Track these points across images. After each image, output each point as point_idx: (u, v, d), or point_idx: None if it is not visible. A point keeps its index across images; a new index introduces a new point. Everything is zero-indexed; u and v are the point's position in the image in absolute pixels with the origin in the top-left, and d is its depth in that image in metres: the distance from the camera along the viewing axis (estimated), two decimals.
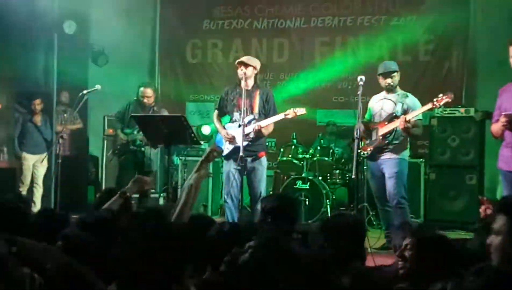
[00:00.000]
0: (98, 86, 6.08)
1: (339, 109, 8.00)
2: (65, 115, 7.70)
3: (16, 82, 6.99)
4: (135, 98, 6.34)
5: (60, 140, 5.72)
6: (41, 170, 6.90)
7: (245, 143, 5.09)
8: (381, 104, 5.31)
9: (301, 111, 5.26)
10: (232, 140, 5.30)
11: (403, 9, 7.99)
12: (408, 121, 4.96)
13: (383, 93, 5.35)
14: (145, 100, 6.25)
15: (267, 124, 5.27)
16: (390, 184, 5.15)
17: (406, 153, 5.30)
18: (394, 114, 5.17)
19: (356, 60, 8.06)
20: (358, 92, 4.96)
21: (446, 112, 6.59)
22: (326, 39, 8.36)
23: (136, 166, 6.26)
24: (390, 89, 5.28)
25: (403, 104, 5.19)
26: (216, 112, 5.57)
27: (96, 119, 7.96)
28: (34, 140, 6.91)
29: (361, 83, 4.93)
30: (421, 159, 6.80)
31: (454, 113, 6.58)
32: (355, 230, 2.82)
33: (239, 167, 5.12)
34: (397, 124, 5.04)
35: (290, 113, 5.23)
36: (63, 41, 7.36)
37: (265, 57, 8.38)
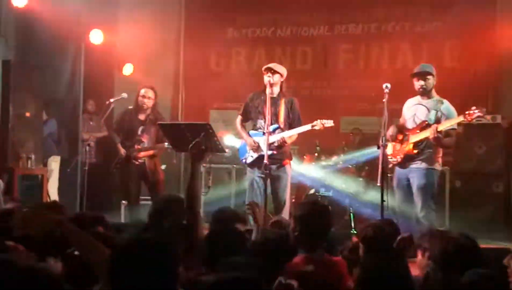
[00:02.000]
0: (124, 94, 6.16)
1: (362, 116, 7.96)
2: (91, 123, 7.82)
3: (43, 91, 7.13)
4: (130, 107, 6.29)
5: (87, 148, 5.80)
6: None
7: (269, 152, 5.09)
8: (414, 109, 5.14)
9: (328, 123, 5.21)
10: (257, 148, 5.30)
11: (428, 15, 7.93)
12: (440, 132, 4.82)
13: (418, 98, 5.16)
14: (145, 101, 6.14)
15: (292, 134, 5.26)
16: (418, 196, 4.97)
17: (438, 163, 5.08)
18: (426, 122, 4.98)
19: (380, 67, 8.05)
20: (384, 100, 4.90)
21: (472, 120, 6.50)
22: (350, 46, 8.35)
23: (140, 176, 6.25)
24: (424, 93, 5.09)
25: (437, 111, 4.99)
26: (239, 117, 5.56)
27: None
28: None
29: (386, 90, 4.87)
30: (446, 167, 6.72)
31: (480, 120, 6.49)
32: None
33: (263, 175, 5.13)
34: (428, 133, 4.87)
35: (318, 124, 5.18)
36: (90, 50, 7.48)
37: (288, 65, 8.36)
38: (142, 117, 6.21)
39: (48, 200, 6.49)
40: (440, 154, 5.11)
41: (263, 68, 5.38)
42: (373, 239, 2.91)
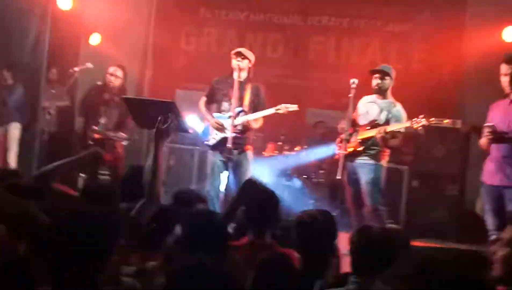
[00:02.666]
0: (89, 64, 6.02)
1: (328, 109, 8.01)
2: (52, 91, 7.59)
3: (4, 52, 6.88)
4: (99, 83, 6.16)
5: (47, 116, 5.65)
6: None
7: (233, 135, 5.10)
8: (368, 107, 5.33)
9: (292, 107, 5.27)
10: (221, 128, 5.28)
11: (401, 15, 8.02)
12: (387, 133, 4.98)
13: (374, 96, 5.36)
14: (112, 79, 6.03)
15: (257, 117, 5.28)
16: (366, 190, 5.16)
17: (383, 159, 5.28)
18: (376, 121, 5.18)
19: (348, 62, 8.11)
20: (350, 95, 5.07)
21: (434, 122, 6.62)
22: (321, 38, 8.37)
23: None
24: (379, 92, 5.27)
25: (388, 112, 5.20)
26: (204, 99, 5.54)
27: None
28: None
29: (353, 85, 5.05)
30: (405, 166, 6.85)
31: (440, 123, 6.62)
32: (328, 227, 2.86)
33: (224, 159, 5.12)
34: (375, 132, 5.05)
35: (282, 108, 5.25)
36: (57, 15, 7.25)
37: (259, 51, 8.35)
38: (106, 96, 6.09)
39: (7, 167, 6.29)
40: (387, 152, 5.30)
41: (232, 52, 5.37)
42: (306, 224, 2.92)
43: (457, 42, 7.69)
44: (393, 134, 5.09)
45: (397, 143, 5.21)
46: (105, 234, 1.96)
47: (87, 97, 6.18)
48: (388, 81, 5.28)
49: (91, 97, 6.14)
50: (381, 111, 5.24)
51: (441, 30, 7.78)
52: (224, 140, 5.18)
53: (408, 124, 5.04)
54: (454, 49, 7.71)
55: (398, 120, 5.15)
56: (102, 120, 6.03)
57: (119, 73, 6.08)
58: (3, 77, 6.85)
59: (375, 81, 5.26)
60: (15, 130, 6.89)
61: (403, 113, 5.22)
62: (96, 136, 6.02)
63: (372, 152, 5.21)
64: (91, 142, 6.05)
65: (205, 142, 5.47)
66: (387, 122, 5.14)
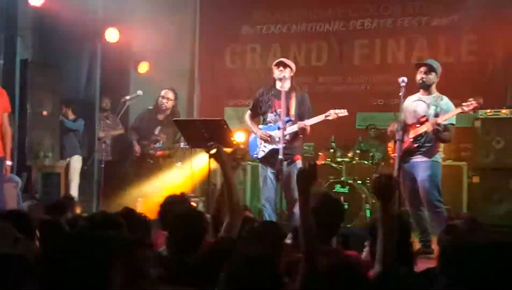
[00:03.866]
0: (139, 92, 6.23)
1: (378, 112, 7.89)
2: (107, 121, 7.87)
3: (60, 89, 7.20)
4: (150, 107, 6.38)
5: (103, 146, 5.86)
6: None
7: (283, 145, 5.11)
8: (414, 105, 5.21)
9: (342, 112, 5.25)
10: (269, 139, 5.29)
11: (445, 8, 7.83)
12: (439, 124, 4.87)
13: (418, 94, 5.25)
14: (164, 102, 6.24)
15: (311, 123, 5.27)
16: (423, 189, 5.04)
17: (439, 155, 5.19)
18: (426, 117, 5.07)
19: (396, 62, 7.99)
20: (400, 94, 5.00)
21: (490, 114, 6.42)
22: (365, 41, 8.28)
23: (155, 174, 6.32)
24: (424, 87, 5.17)
25: (436, 106, 5.10)
26: (249, 112, 5.56)
27: None
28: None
29: (402, 84, 4.96)
30: (464, 162, 6.64)
31: (498, 114, 6.41)
32: (402, 233, 2.79)
33: (274, 171, 5.13)
34: (426, 127, 4.95)
35: (331, 114, 5.23)
36: (106, 48, 7.53)
37: (303, 61, 8.38)
38: (160, 117, 6.33)
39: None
40: (440, 148, 5.22)
41: (273, 64, 5.40)
42: None
43: (508, 29, 7.43)
44: (446, 126, 4.97)
45: (450, 136, 5.09)
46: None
47: (140, 121, 6.41)
48: (433, 76, 5.17)
49: (145, 120, 6.36)
50: (428, 106, 5.13)
51: (489, 18, 7.53)
52: (273, 152, 5.19)
53: (459, 110, 4.94)
54: (506, 35, 7.45)
55: (447, 111, 5.05)
56: (160, 138, 6.22)
57: (171, 95, 6.33)
58: (65, 113, 7.18)
59: (420, 76, 5.16)
60: (77, 163, 7.19)
61: (451, 105, 5.11)
62: (156, 154, 6.20)
63: (425, 149, 5.11)
64: (150, 161, 6.24)
65: (253, 155, 5.49)
66: (437, 116, 5.04)
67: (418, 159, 5.11)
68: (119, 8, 7.58)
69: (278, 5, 8.62)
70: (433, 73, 5.16)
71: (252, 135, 5.54)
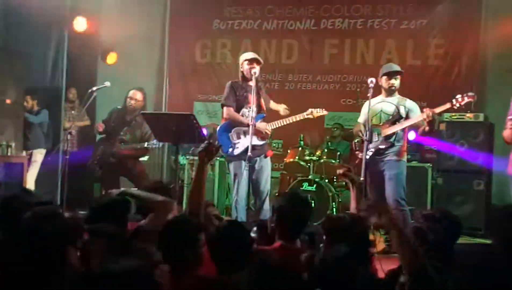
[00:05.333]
0: (107, 83, 6.10)
1: (347, 111, 7.97)
2: (72, 112, 7.72)
3: (25, 77, 7.01)
4: (119, 107, 6.35)
5: (69, 136, 5.74)
6: None
7: (262, 142, 5.17)
8: (380, 106, 5.33)
9: (321, 112, 5.36)
10: (268, 133, 5.33)
11: (414, 12, 7.96)
12: (435, 114, 5.08)
13: (381, 96, 5.38)
14: (132, 103, 6.22)
15: (288, 122, 5.33)
16: (389, 186, 5.15)
17: (405, 156, 5.34)
18: (399, 116, 5.21)
19: (364, 63, 8.09)
20: (368, 94, 5.09)
21: (455, 117, 6.56)
22: (336, 41, 8.34)
23: (121, 171, 6.27)
24: (392, 92, 5.30)
25: (404, 106, 5.25)
26: (230, 108, 5.40)
27: (103, 116, 7.93)
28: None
29: (371, 85, 5.07)
30: (429, 164, 6.76)
31: (463, 118, 6.55)
32: (358, 232, 2.81)
33: (247, 168, 5.12)
34: (421, 117, 5.05)
35: (312, 113, 5.32)
36: (73, 38, 7.38)
37: (274, 58, 8.39)
38: (128, 118, 6.23)
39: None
40: (405, 148, 5.35)
41: (245, 58, 5.37)
42: (336, 230, 2.87)
43: (474, 34, 7.61)
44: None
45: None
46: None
47: (108, 121, 6.34)
48: (399, 80, 5.33)
49: (112, 120, 6.29)
50: (397, 107, 5.27)
51: (456, 24, 7.71)
52: (247, 149, 5.13)
53: (447, 106, 5.05)
54: (472, 41, 7.63)
55: (415, 111, 5.22)
56: (127, 139, 6.16)
57: (139, 96, 6.27)
58: (29, 104, 7.00)
59: (390, 82, 5.29)
60: (39, 155, 7.02)
61: (416, 105, 5.30)
62: (122, 152, 6.14)
63: (395, 148, 5.23)
64: (112, 160, 6.17)
65: (228, 152, 5.38)
66: (407, 116, 5.21)
67: (387, 158, 5.21)
68: None
69: (250, 1, 8.60)
70: (399, 76, 5.33)
71: (220, 131, 5.44)
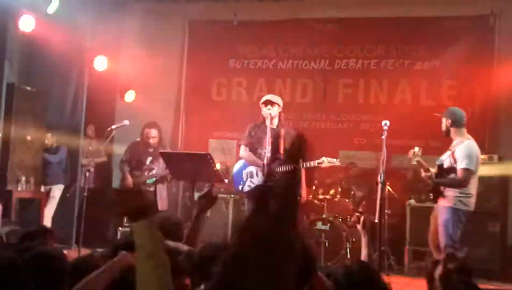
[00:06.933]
0: (126, 122, 6.23)
1: (360, 150, 8.01)
2: (90, 148, 7.84)
3: (45, 114, 7.18)
4: (138, 139, 6.44)
5: (87, 174, 5.84)
6: None
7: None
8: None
9: (334, 161, 5.41)
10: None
11: (427, 53, 8.06)
12: (429, 177, 5.03)
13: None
14: (149, 141, 6.34)
15: (305, 167, 5.39)
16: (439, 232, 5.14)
17: (457, 201, 5.19)
18: (441, 163, 5.22)
19: (378, 103, 8.16)
20: (382, 136, 5.07)
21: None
22: (349, 81, 8.45)
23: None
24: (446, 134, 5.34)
25: (451, 152, 5.21)
26: (245, 147, 5.52)
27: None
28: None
29: (385, 127, 5.06)
30: None
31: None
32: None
33: None
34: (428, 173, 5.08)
35: (324, 162, 5.36)
36: (93, 76, 7.56)
37: (288, 97, 8.49)
38: (150, 149, 6.34)
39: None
40: (460, 193, 5.26)
41: (261, 102, 5.46)
42: None
43: (487, 75, 7.65)
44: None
45: (449, 182, 5.24)
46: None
47: (131, 153, 6.43)
48: (444, 124, 5.42)
49: (135, 152, 6.38)
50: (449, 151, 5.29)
51: (469, 65, 7.77)
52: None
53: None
54: (485, 82, 7.66)
55: (458, 157, 5.20)
56: (154, 166, 6.24)
57: (154, 132, 6.36)
58: (50, 141, 7.15)
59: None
60: (58, 191, 7.12)
61: (463, 150, 5.23)
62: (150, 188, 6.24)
63: (447, 193, 5.23)
64: (146, 188, 6.28)
65: (238, 187, 5.47)
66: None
67: (440, 203, 5.23)
68: (108, 36, 7.64)
69: (265, 41, 8.77)
70: (444, 120, 5.42)
71: (237, 168, 5.55)
